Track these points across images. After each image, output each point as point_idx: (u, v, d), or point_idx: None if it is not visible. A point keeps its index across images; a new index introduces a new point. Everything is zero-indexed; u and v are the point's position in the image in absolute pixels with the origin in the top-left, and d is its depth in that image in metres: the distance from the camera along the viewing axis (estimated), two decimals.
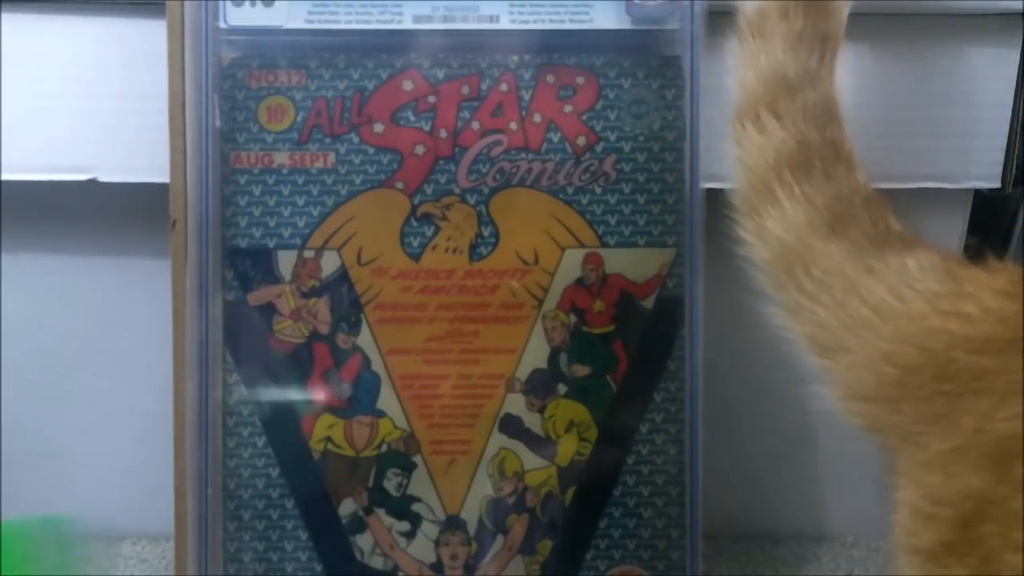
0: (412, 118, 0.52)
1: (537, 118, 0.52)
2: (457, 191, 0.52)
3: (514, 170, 0.52)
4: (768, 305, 0.41)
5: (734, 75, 0.44)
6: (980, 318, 0.35)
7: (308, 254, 0.52)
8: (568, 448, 0.53)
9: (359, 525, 0.53)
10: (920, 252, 0.38)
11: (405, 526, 0.53)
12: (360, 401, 0.53)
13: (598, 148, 0.52)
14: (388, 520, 0.53)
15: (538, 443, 0.53)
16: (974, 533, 0.33)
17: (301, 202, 0.52)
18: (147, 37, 0.52)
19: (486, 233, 0.52)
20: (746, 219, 0.42)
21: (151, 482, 0.55)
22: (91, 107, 0.55)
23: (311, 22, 0.51)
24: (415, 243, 0.52)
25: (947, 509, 0.33)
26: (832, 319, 0.38)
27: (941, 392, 0.34)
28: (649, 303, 0.53)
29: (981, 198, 0.58)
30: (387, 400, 0.53)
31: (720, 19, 0.51)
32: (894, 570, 0.35)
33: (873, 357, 0.36)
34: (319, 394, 0.53)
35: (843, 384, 0.38)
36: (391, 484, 0.53)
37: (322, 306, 0.52)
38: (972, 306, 0.35)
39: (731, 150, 0.44)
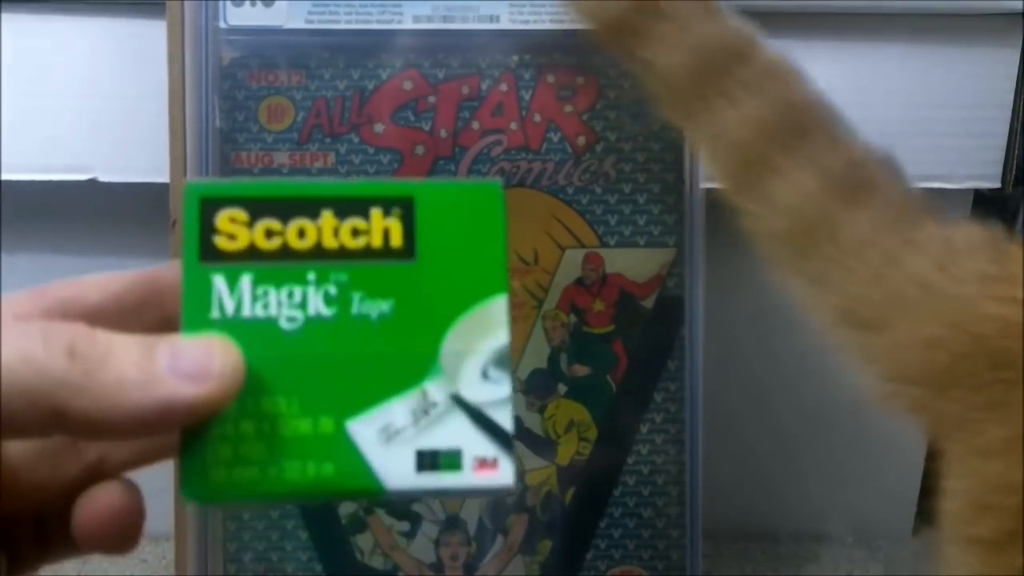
0: (412, 118, 0.52)
1: (537, 118, 0.52)
2: None
3: (514, 170, 0.52)
4: (781, 276, 0.38)
5: (652, 64, 0.40)
6: None
7: None
8: (568, 448, 0.53)
9: (359, 525, 0.53)
10: (962, 225, 0.36)
11: (405, 526, 0.53)
12: None
13: (598, 148, 0.52)
14: (388, 520, 0.53)
15: (538, 443, 0.53)
16: None
17: None
18: (147, 37, 0.52)
19: None
20: (747, 192, 0.39)
21: (151, 482, 0.54)
22: (91, 107, 0.55)
23: (311, 22, 0.51)
24: None
25: (1011, 497, 0.31)
26: (871, 290, 0.35)
27: (998, 380, 0.32)
28: (649, 303, 0.53)
29: (981, 198, 0.58)
30: None
31: None
32: (940, 559, 0.33)
33: (920, 338, 0.34)
34: None
35: (885, 364, 0.35)
36: None
37: None
38: None
39: (699, 130, 0.40)
